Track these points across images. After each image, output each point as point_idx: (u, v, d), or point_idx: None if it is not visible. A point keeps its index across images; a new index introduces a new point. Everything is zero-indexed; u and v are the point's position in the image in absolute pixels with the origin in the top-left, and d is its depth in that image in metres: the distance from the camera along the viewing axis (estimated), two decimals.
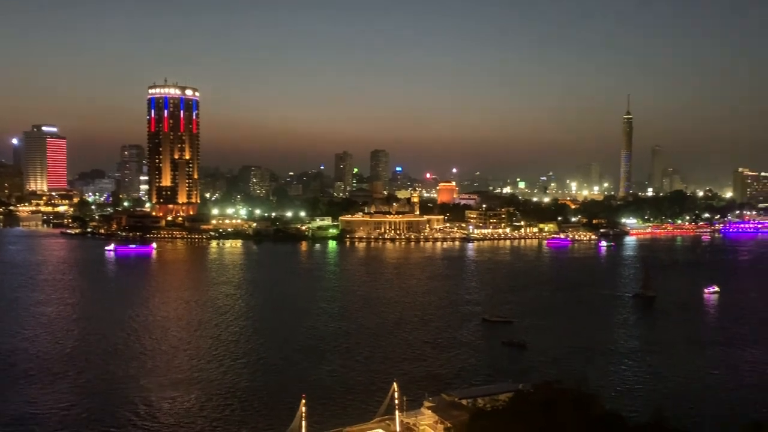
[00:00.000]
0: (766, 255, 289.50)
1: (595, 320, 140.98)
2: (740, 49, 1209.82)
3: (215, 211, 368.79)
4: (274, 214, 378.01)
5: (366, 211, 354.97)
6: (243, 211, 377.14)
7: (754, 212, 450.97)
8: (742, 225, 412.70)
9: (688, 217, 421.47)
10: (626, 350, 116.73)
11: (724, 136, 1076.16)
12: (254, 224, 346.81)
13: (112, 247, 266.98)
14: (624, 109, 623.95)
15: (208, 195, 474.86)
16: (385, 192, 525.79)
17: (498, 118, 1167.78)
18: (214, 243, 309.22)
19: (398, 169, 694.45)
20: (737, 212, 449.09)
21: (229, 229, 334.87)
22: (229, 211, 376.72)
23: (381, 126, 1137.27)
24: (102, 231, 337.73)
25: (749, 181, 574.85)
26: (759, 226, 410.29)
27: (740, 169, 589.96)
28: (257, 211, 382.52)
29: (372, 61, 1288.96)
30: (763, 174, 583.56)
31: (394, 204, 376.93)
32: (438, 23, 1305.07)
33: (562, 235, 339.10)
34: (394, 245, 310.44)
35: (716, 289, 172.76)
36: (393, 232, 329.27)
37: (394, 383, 63.48)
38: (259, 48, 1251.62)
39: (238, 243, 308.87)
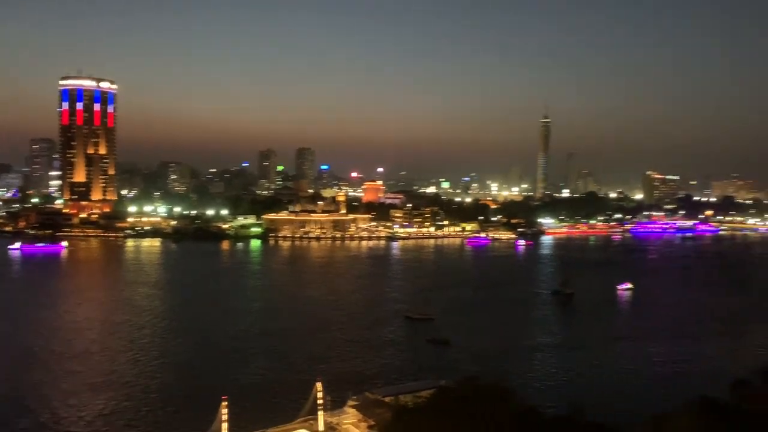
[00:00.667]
0: (672, 254, 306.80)
1: (516, 317, 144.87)
2: (651, 57, 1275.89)
3: (132, 209, 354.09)
4: (194, 212, 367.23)
5: (291, 209, 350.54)
6: (162, 209, 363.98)
7: (661, 213, 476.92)
8: (650, 225, 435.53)
9: (600, 218, 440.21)
10: (546, 346, 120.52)
11: (634, 140, 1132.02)
12: (173, 222, 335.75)
13: (17, 245, 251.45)
14: (542, 113, 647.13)
15: (124, 192, 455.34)
16: (310, 190, 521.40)
17: (422, 119, 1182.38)
18: (130, 242, 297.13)
19: (324, 167, 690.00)
20: (645, 213, 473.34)
21: (147, 228, 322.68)
22: (147, 208, 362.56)
23: (307, 124, 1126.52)
24: (8, 229, 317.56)
25: (657, 183, 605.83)
26: (665, 226, 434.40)
27: (648, 172, 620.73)
28: (177, 209, 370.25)
29: (298, 58, 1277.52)
30: (669, 177, 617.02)
31: (320, 203, 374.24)
32: (364, 24, 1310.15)
33: (483, 234, 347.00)
34: (320, 244, 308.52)
35: (629, 286, 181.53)
36: (318, 230, 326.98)
37: (318, 383, 62.76)
38: (182, 41, 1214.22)
39: (157, 242, 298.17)
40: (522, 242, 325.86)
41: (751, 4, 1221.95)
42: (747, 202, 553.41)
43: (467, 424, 48.21)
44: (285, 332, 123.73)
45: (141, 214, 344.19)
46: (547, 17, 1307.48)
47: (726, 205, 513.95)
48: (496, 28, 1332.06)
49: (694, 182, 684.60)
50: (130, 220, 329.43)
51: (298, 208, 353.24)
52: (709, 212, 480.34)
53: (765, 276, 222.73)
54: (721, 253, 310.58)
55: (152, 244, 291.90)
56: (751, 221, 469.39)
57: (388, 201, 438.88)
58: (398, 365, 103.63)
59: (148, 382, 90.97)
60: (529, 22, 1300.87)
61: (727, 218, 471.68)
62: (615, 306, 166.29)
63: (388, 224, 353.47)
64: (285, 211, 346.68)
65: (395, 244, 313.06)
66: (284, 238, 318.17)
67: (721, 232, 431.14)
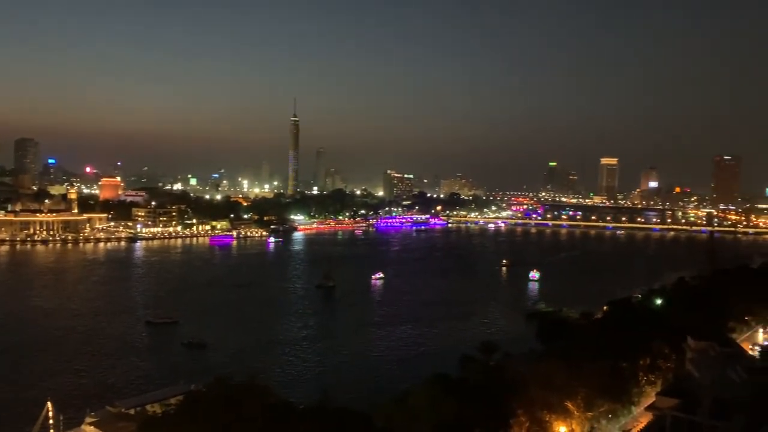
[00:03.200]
0: (410, 245, 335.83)
1: (278, 313, 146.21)
2: (391, 64, 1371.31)
3: None
4: None
5: (9, 209, 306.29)
6: None
7: (399, 209, 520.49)
8: (390, 220, 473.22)
9: (347, 214, 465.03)
10: (305, 339, 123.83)
11: (376, 139, 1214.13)
12: None
13: None
14: (291, 111, 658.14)
15: None
16: (34, 187, 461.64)
17: (167, 111, 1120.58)
18: None
19: (51, 161, 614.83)
20: (387, 209, 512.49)
21: None
22: None
23: (27, 111, 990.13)
24: None
25: (396, 181, 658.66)
26: (403, 220, 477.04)
27: (388, 171, 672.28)
28: None
29: (12, 31, 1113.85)
30: (406, 175, 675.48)
31: (47, 201, 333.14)
32: (102, 6, 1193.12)
33: (234, 233, 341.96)
34: (48, 248, 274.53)
35: (381, 275, 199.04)
36: (45, 233, 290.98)
37: (48, 402, 56.15)
38: None
39: None
40: (272, 239, 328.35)
41: (474, 21, 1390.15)
42: (468, 198, 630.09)
43: (218, 426, 47.12)
44: (8, 350, 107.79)
45: None
46: (297, 16, 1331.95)
47: (453, 201, 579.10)
48: (246, 23, 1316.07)
49: (427, 180, 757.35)
50: None
51: (18, 207, 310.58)
52: (439, 207, 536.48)
53: (485, 261, 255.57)
54: (450, 244, 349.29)
55: None
56: (472, 215, 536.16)
57: (129, 199, 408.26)
58: (146, 374, 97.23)
59: None
60: (281, 21, 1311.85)
61: (454, 212, 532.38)
62: (370, 295, 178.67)
63: (130, 224, 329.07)
64: (2, 212, 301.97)
65: (138, 246, 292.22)
66: (1, 242, 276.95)
67: (449, 225, 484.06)
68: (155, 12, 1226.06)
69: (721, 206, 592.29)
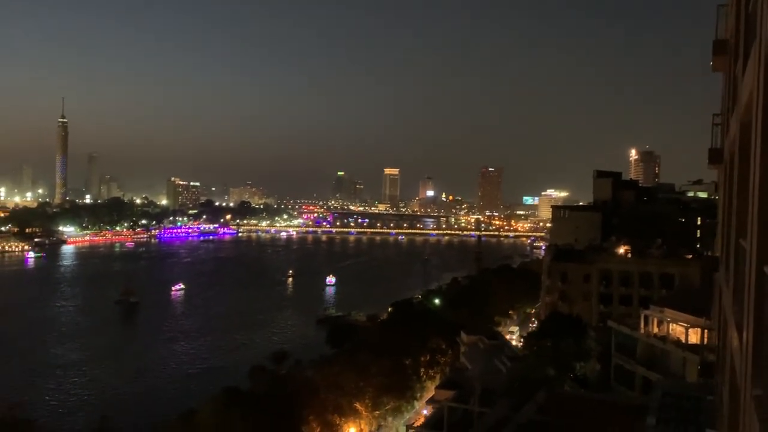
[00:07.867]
0: (200, 255, 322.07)
1: (60, 336, 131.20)
2: (163, 63, 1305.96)
3: None
4: None
5: None
6: None
7: (186, 218, 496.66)
8: (175, 230, 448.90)
9: (126, 224, 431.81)
10: (87, 360, 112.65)
11: (159, 145, 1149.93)
12: None
13: None
14: (59, 112, 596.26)
15: None
16: None
17: None
18: None
19: None
20: (171, 218, 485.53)
21: None
22: None
23: None
24: None
25: (180, 189, 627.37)
26: (190, 230, 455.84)
27: (173, 179, 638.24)
28: None
29: None
30: (192, 183, 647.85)
31: None
32: None
33: None
34: None
35: (182, 286, 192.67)
36: None
37: None
38: None
39: None
40: (32, 254, 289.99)
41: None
42: (259, 206, 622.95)
43: None
44: None
45: None
46: (70, 10, 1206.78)
47: (243, 210, 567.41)
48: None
49: (215, 188, 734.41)
50: None
51: None
52: (228, 216, 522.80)
53: (276, 270, 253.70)
54: (241, 253, 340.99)
55: None
56: (263, 224, 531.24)
57: None
58: None
59: None
60: (50, 14, 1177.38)
61: (245, 221, 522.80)
62: (172, 307, 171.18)
63: None
64: None
65: None
66: None
67: (239, 234, 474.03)
68: None
69: (487, 212, 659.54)
